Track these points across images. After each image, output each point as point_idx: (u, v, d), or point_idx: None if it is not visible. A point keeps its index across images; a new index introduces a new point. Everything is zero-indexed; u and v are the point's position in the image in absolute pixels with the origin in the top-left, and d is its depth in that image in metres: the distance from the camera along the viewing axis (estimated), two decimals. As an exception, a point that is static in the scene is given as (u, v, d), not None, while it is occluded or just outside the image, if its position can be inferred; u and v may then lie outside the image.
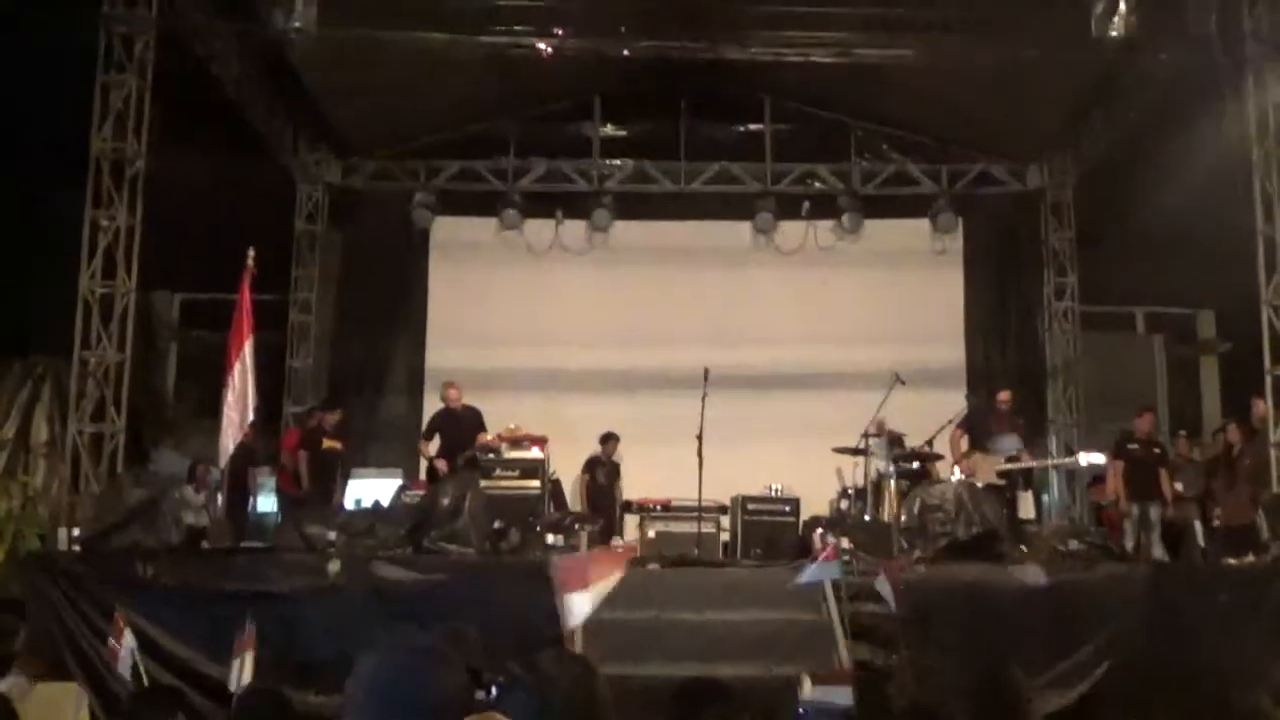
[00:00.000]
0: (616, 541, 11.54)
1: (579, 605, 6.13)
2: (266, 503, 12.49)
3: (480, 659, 3.48)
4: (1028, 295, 15.60)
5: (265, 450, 12.64)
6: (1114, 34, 11.02)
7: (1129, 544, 10.71)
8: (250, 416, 9.96)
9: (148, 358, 14.46)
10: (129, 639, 6.91)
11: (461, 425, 11.60)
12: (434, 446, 11.67)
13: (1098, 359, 15.36)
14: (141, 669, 7.00)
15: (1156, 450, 11.61)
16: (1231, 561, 9.59)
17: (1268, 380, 10.70)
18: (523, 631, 7.69)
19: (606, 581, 6.29)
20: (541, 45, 11.53)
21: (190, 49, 11.79)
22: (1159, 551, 10.81)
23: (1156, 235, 13.59)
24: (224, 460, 10.14)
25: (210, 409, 11.14)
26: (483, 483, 10.85)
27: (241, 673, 6.64)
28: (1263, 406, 10.84)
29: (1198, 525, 11.80)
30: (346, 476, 12.82)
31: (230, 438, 9.90)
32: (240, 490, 11.85)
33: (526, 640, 7.57)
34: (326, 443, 12.16)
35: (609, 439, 13.11)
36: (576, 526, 8.90)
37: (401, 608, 7.81)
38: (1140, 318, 16.75)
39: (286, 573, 8.21)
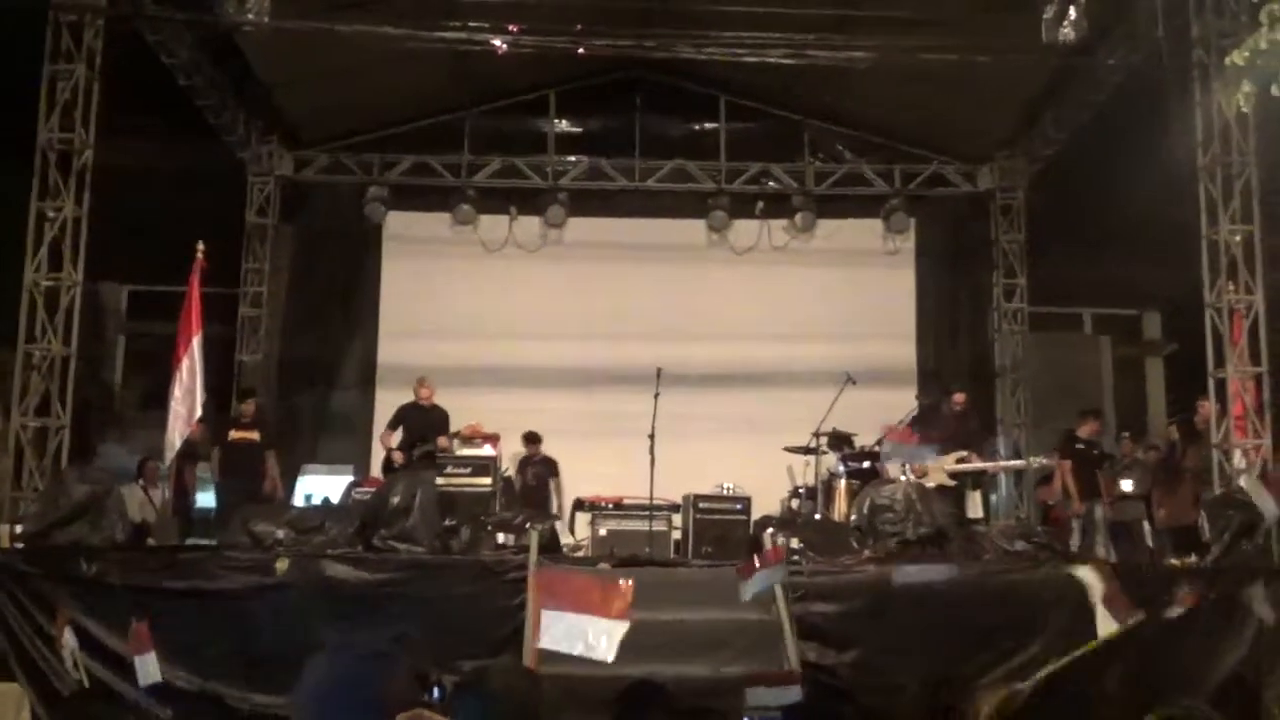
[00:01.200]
0: (568, 540, 11.51)
1: (548, 624, 6.01)
2: (206, 498, 12.30)
3: (426, 662, 3.48)
4: (978, 295, 15.76)
5: (211, 446, 12.46)
6: (1064, 38, 11.14)
7: (1075, 544, 10.84)
8: (199, 412, 9.88)
9: (95, 351, 14.28)
10: (70, 638, 6.83)
11: (427, 423, 11.61)
12: (396, 438, 11.67)
13: (1046, 359, 15.55)
14: (82, 668, 6.92)
15: (1096, 452, 11.80)
16: (1174, 562, 9.72)
17: (1210, 383, 10.87)
18: (472, 631, 7.70)
19: (586, 616, 6.13)
20: (497, 42, 11.48)
21: (140, 38, 11.65)
22: (1103, 551, 10.94)
23: (1105, 237, 13.79)
24: (170, 456, 10.05)
25: (159, 403, 10.99)
26: (435, 480, 10.83)
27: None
28: (1208, 408, 11.02)
29: (1146, 526, 11.97)
30: (295, 472, 12.67)
31: (177, 433, 9.80)
32: (186, 486, 11.71)
33: (476, 639, 7.59)
34: (235, 434, 11.67)
35: (527, 438, 13.12)
36: (527, 525, 8.86)
37: (351, 606, 7.76)
38: (1088, 319, 16.97)
39: (233, 570, 8.14)
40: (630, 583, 6.21)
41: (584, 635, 6.00)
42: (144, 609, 7.59)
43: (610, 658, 5.98)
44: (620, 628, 6.07)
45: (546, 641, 6.12)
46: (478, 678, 2.73)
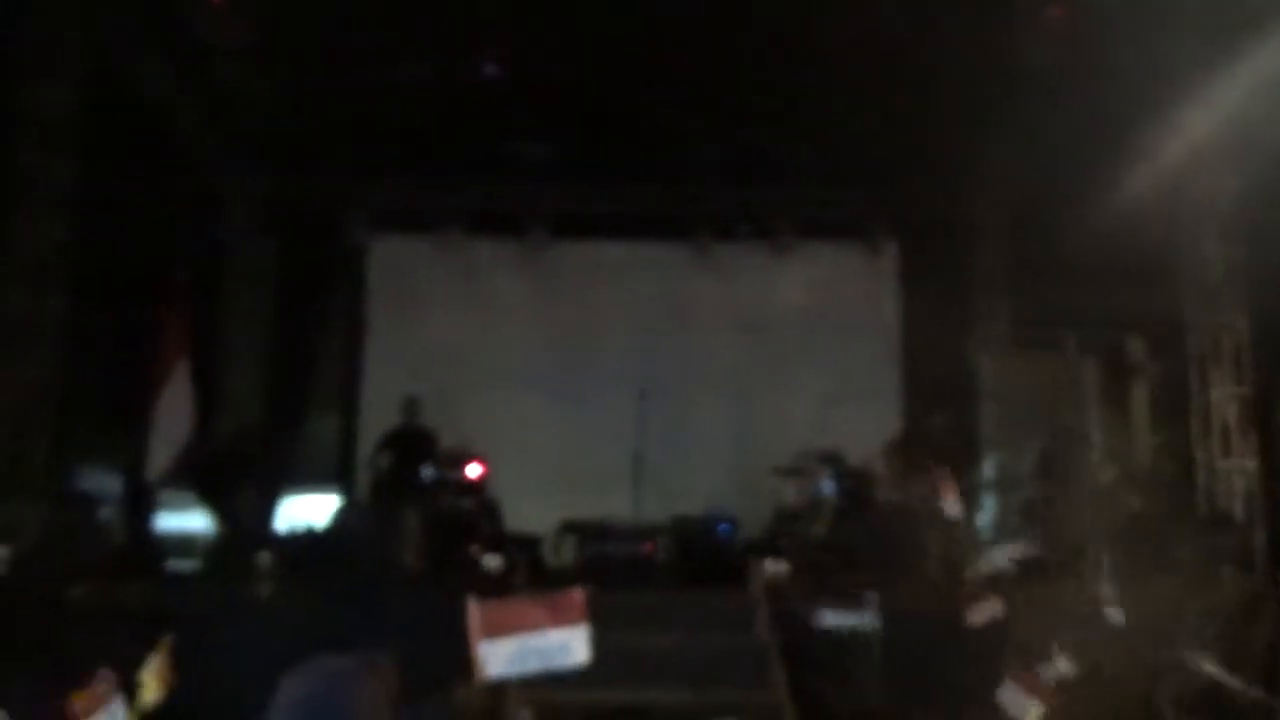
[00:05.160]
0: (553, 563, 11.46)
1: (491, 654, 5.76)
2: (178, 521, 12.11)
3: (394, 686, 3.41)
4: (961, 317, 15.75)
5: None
6: (1040, 61, 11.19)
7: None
8: (187, 435, 9.84)
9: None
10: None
11: (414, 445, 11.61)
12: (384, 461, 11.70)
13: (1031, 381, 15.54)
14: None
15: None
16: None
17: (1195, 404, 10.90)
18: (455, 655, 7.61)
19: (534, 633, 5.86)
20: (482, 68, 11.50)
21: (113, 57, 11.57)
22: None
23: (1088, 258, 13.78)
24: (154, 478, 9.99)
25: (136, 427, 10.88)
26: (422, 502, 10.78)
27: None
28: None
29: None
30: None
31: (161, 456, 9.75)
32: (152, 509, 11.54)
33: (459, 664, 7.51)
34: None
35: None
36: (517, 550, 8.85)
37: (334, 631, 7.68)
38: (1072, 341, 16.96)
39: (216, 595, 8.07)
40: (581, 591, 5.96)
41: (537, 652, 5.77)
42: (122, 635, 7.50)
43: (582, 660, 5.77)
44: (581, 632, 5.84)
45: (496, 671, 5.87)
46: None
